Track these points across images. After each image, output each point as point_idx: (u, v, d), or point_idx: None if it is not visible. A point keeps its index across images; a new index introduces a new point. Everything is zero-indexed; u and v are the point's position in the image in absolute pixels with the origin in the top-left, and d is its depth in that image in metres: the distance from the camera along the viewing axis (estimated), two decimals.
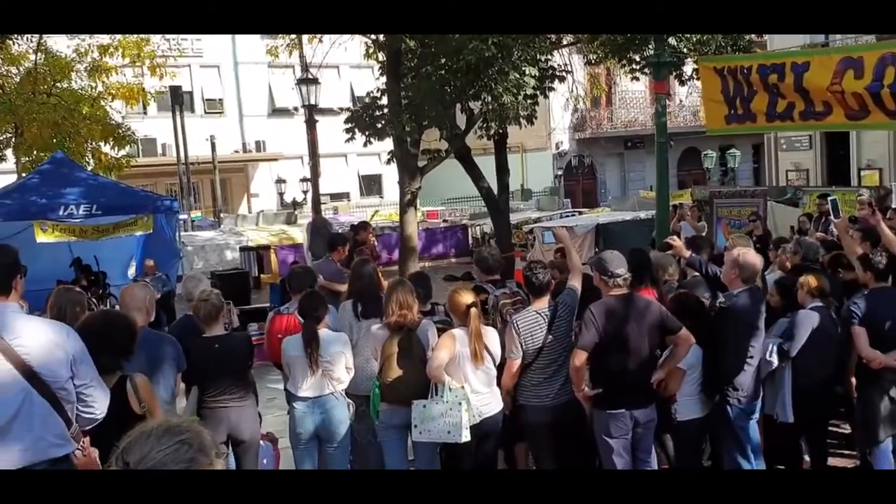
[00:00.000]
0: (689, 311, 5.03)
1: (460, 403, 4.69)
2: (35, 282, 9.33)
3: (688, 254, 5.62)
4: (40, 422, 3.08)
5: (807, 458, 5.61)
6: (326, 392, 5.16)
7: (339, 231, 14.13)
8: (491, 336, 5.06)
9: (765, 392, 5.32)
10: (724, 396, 5.02)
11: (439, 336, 5.09)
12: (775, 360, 5.24)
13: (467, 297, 5.00)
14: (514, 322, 4.99)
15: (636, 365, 4.74)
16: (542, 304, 5.05)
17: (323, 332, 5.17)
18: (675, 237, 6.12)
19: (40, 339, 3.15)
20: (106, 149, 17.27)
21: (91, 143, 16.90)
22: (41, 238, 10.47)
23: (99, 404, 3.25)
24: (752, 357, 5.05)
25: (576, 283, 5.19)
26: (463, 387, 4.77)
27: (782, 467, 5.55)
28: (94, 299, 10.62)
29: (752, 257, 5.16)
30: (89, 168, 15.45)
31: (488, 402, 5.00)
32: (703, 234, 12.66)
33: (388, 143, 14.07)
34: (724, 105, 8.70)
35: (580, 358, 4.69)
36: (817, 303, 5.40)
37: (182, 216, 18.25)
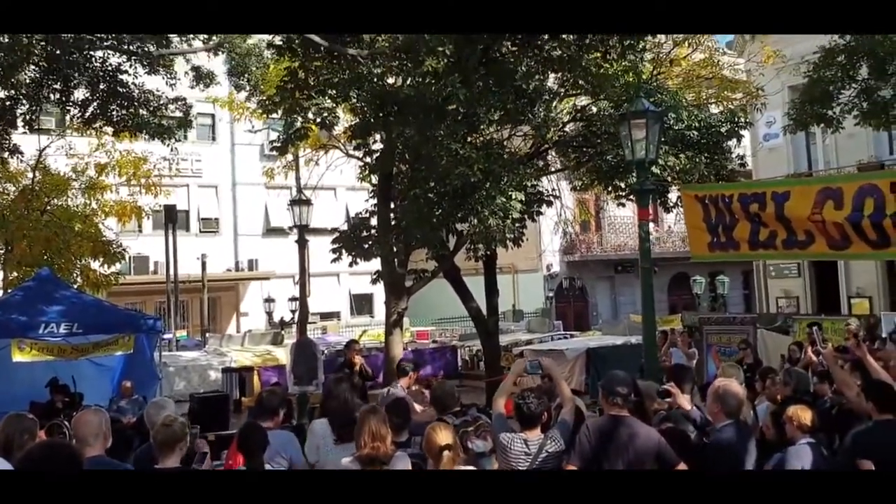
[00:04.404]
0: (674, 446, 4.80)
1: None
2: (9, 403, 9.03)
3: (689, 407, 5.40)
4: None
5: None
6: None
7: (325, 351, 14.03)
8: None
9: None
10: None
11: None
12: None
13: (444, 437, 4.52)
14: (501, 440, 4.78)
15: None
16: (533, 435, 4.80)
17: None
18: (673, 385, 5.67)
19: None
20: (95, 265, 17.27)
21: (81, 260, 16.91)
22: (17, 357, 10.30)
23: None
24: None
25: (567, 415, 4.97)
26: None
27: None
28: (66, 422, 10.25)
29: (734, 388, 5.02)
30: (76, 285, 15.37)
31: None
32: (694, 360, 12.57)
33: (377, 263, 14.10)
34: (707, 233, 8.79)
35: None
36: (808, 438, 5.21)
37: (167, 336, 17.98)
